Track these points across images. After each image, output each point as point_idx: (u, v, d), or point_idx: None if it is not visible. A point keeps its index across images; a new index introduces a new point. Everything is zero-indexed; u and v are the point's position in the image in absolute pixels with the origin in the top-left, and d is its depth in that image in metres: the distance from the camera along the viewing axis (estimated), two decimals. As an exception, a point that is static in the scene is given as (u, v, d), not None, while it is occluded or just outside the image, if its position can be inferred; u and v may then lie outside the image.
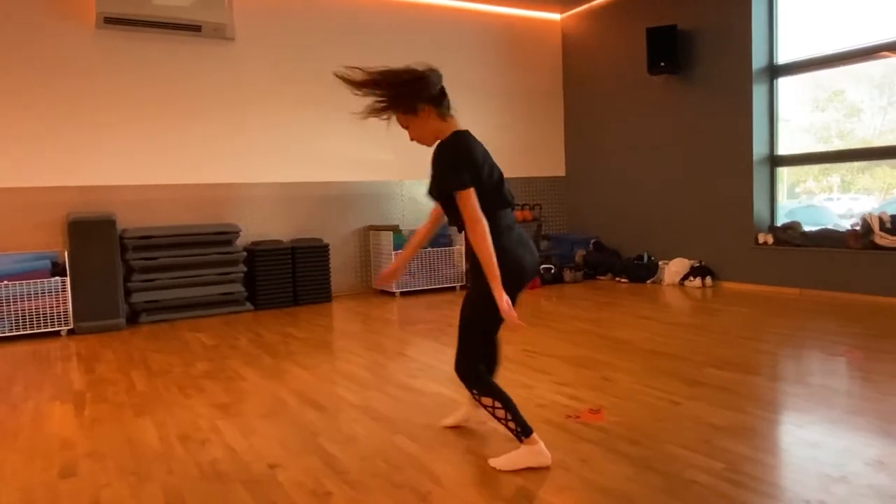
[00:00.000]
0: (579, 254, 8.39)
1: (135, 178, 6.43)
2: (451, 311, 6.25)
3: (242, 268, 6.61)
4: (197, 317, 6.34)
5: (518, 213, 8.38)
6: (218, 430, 3.12)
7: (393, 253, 7.21)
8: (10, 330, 5.53)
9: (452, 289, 7.67)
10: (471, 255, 2.58)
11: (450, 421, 3.06)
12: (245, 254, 6.68)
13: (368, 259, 7.73)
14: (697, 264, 7.29)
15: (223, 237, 6.53)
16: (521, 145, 8.73)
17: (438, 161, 2.63)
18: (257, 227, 7.01)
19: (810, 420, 2.93)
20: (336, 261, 7.44)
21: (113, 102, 6.32)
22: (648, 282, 7.60)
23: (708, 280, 7.11)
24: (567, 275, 7.92)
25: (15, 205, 5.90)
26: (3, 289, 5.48)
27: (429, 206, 8.07)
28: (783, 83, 6.83)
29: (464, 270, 7.69)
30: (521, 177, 8.73)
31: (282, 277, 6.83)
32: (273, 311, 6.59)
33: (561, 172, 9.11)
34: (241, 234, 6.68)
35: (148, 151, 6.50)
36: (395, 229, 7.55)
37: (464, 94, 8.27)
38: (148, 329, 5.89)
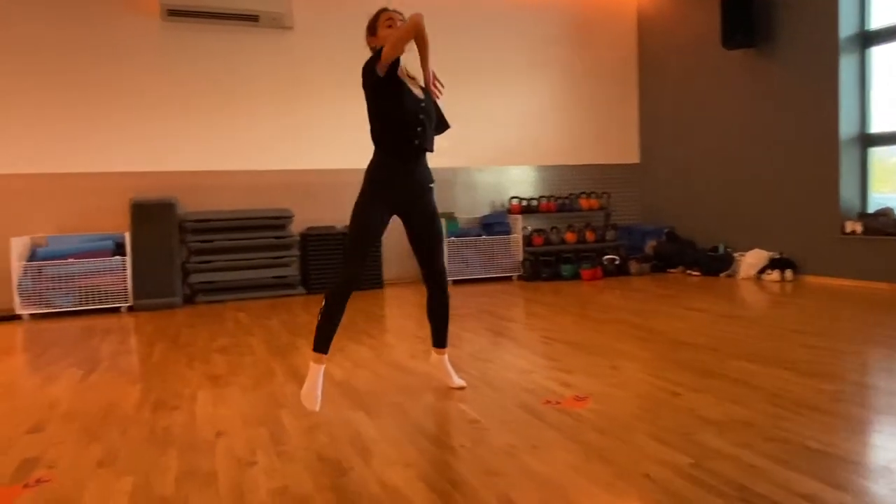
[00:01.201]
0: (650, 245, 7.86)
1: (195, 164, 6.70)
2: (497, 300, 6.03)
3: (295, 252, 6.72)
4: (249, 299, 6.51)
5: (584, 201, 8.00)
6: (195, 398, 3.12)
7: (446, 241, 7.08)
8: (76, 305, 5.93)
9: (509, 278, 7.42)
10: None
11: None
12: (298, 238, 6.79)
13: (424, 247, 7.64)
14: (777, 256, 6.60)
15: (277, 222, 6.67)
16: (591, 131, 8.31)
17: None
18: (312, 213, 7.10)
19: (825, 421, 2.49)
20: (391, 248, 7.40)
21: (175, 92, 6.62)
22: (722, 275, 6.98)
23: (788, 273, 6.42)
24: (633, 266, 7.44)
25: (85, 189, 6.32)
26: (68, 265, 5.89)
27: (484, 193, 7.90)
28: (877, 52, 6.03)
29: (520, 261, 7.44)
30: (591, 164, 8.31)
31: (333, 263, 6.88)
32: (321, 296, 6.64)
33: (634, 159, 8.58)
34: (294, 219, 6.80)
35: (208, 139, 6.76)
36: (450, 216, 7.41)
37: (527, 77, 8.00)
38: (200, 308, 6.12)
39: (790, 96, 6.49)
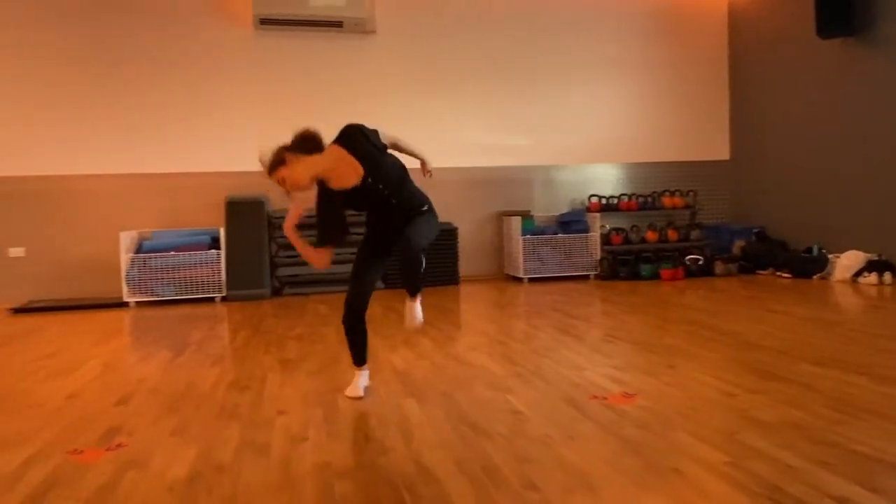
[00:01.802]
0: (738, 245, 7.55)
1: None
2: (569, 298, 6.01)
3: (374, 248, 6.97)
4: (331, 292, 6.82)
5: (667, 200, 7.79)
6: (265, 380, 3.36)
7: (520, 238, 7.12)
8: (175, 294, 6.44)
9: (586, 277, 7.35)
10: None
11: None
12: (377, 235, 7.03)
13: (501, 244, 7.70)
14: (875, 258, 6.18)
15: (361, 218, 6.93)
16: (678, 127, 8.08)
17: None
18: (391, 210, 7.32)
19: (885, 427, 2.37)
20: (467, 245, 7.52)
21: (266, 97, 7.04)
22: (815, 277, 6.60)
23: (886, 276, 5.99)
24: (718, 267, 7.17)
25: (185, 187, 6.84)
26: (170, 258, 6.41)
27: (564, 191, 7.86)
28: None
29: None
30: (676, 161, 8.08)
31: (411, 259, 7.07)
32: (400, 291, 6.85)
33: (724, 155, 8.26)
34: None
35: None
36: (526, 214, 7.43)
37: (609, 73, 7.89)
38: (286, 300, 6.49)
39: (892, 87, 6.06)
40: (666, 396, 2.85)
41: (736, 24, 8.09)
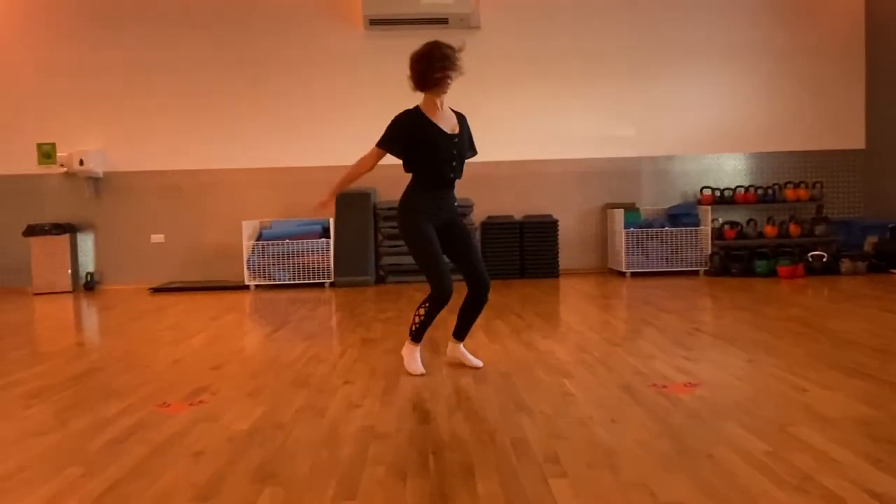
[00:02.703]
0: (870, 241, 6.89)
1: (388, 159, 7.39)
2: (668, 293, 5.80)
3: (475, 239, 7.11)
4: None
5: (790, 192, 7.26)
6: (342, 355, 3.59)
7: (623, 231, 6.96)
8: (289, 279, 6.94)
9: (695, 273, 7.03)
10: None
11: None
12: (476, 227, 7.16)
13: (605, 237, 7.55)
14: None
15: (459, 210, 7.09)
16: (804, 115, 7.49)
17: None
18: (492, 203, 7.43)
19: (973, 430, 2.15)
20: (570, 238, 7.45)
21: (375, 94, 7.36)
22: (960, 278, 5.91)
23: None
24: (844, 265, 6.59)
25: (300, 180, 7.33)
26: (286, 245, 6.91)
27: (674, 182, 7.55)
28: None
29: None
30: (801, 150, 7.51)
31: (510, 251, 7.14)
32: (496, 282, 6.92)
33: (858, 144, 7.56)
34: (474, 208, 7.18)
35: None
36: (631, 207, 7.23)
37: (726, 59, 7.48)
38: (388, 287, 6.78)
39: None
40: (729, 388, 2.74)
41: (874, 3, 7.37)
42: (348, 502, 1.76)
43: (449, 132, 3.22)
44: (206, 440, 2.28)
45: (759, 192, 7.30)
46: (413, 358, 3.19)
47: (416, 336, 3.20)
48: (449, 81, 3.19)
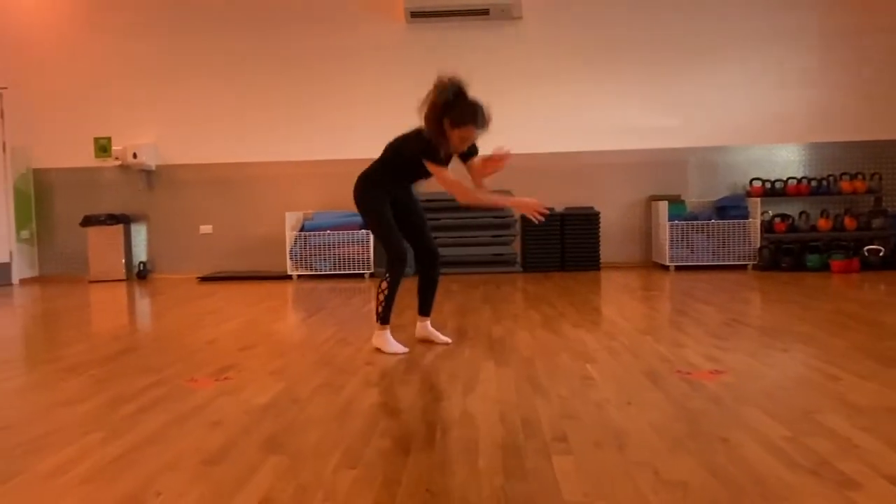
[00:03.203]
0: (933, 235, 6.54)
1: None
2: (712, 286, 5.64)
3: (514, 231, 7.06)
4: (470, 273, 7.03)
5: (846, 184, 6.94)
6: (368, 339, 3.61)
7: (667, 224, 6.79)
8: (330, 269, 7.04)
9: (742, 267, 6.81)
10: None
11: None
12: (516, 218, 7.11)
13: (649, 230, 7.39)
14: None
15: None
16: (863, 102, 7.15)
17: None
18: (533, 195, 7.33)
19: None
20: (612, 231, 7.32)
21: (416, 87, 7.38)
22: None
23: None
24: (904, 259, 6.28)
25: (341, 172, 7.41)
26: (327, 236, 7.02)
27: (722, 174, 7.31)
28: None
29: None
30: (859, 140, 7.17)
31: (552, 242, 7.07)
32: (536, 274, 6.89)
33: (922, 133, 7.17)
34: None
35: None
36: (676, 199, 7.05)
37: (776, 44, 7.21)
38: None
39: None
40: (757, 376, 2.64)
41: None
42: (348, 471, 1.78)
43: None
44: (224, 412, 2.34)
45: (813, 183, 7.01)
46: (388, 340, 3.29)
47: (384, 318, 3.29)
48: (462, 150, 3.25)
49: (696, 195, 7.30)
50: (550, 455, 1.85)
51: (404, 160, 3.28)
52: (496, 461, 1.81)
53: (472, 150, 3.33)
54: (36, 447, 2.03)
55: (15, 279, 7.46)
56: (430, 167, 3.15)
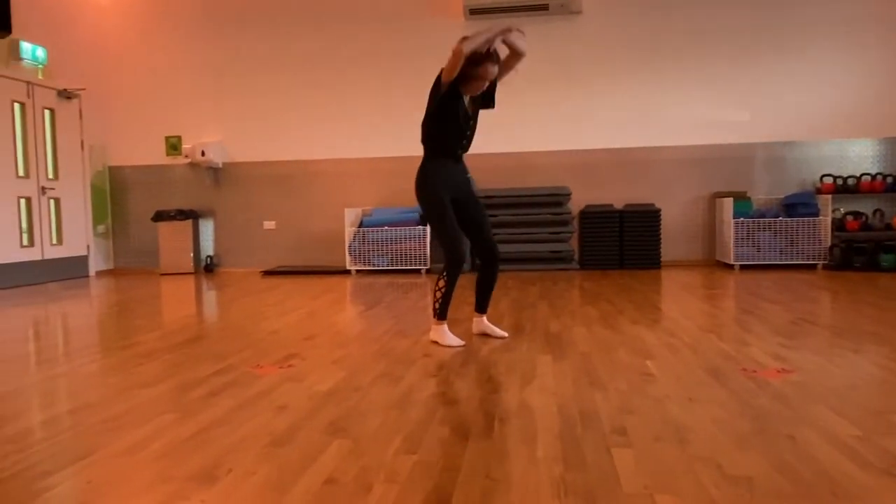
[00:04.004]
0: None
1: (483, 148, 7.43)
2: (779, 285, 5.45)
3: (571, 228, 7.00)
4: (528, 270, 7.01)
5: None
6: (427, 331, 3.67)
7: (732, 221, 6.59)
8: (387, 265, 7.14)
9: (812, 266, 6.56)
10: None
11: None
12: (574, 215, 7.04)
13: (713, 228, 7.19)
14: None
15: (555, 199, 7.03)
16: (946, 95, 6.79)
17: None
18: (591, 191, 7.28)
19: None
20: (674, 229, 7.17)
21: (474, 82, 7.42)
22: None
23: None
24: None
25: (399, 169, 7.52)
26: (385, 232, 7.12)
27: (791, 170, 7.05)
28: None
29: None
30: (941, 135, 6.80)
31: (609, 239, 6.97)
32: (593, 272, 6.81)
33: None
34: (572, 196, 7.08)
35: (499, 124, 7.42)
36: (742, 196, 6.85)
37: (848, 32, 6.92)
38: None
39: None
40: (826, 375, 2.55)
41: None
42: (409, 455, 1.81)
43: (469, 111, 3.38)
44: (289, 397, 2.42)
45: (889, 180, 6.69)
46: (445, 333, 3.32)
47: (441, 313, 3.33)
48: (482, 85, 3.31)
49: (764, 192, 7.07)
50: (609, 447, 1.84)
51: (438, 109, 3.31)
52: (555, 451, 1.82)
53: (492, 91, 3.43)
54: (115, 425, 2.15)
55: (91, 271, 7.86)
56: (444, 71, 3.19)
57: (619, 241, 6.98)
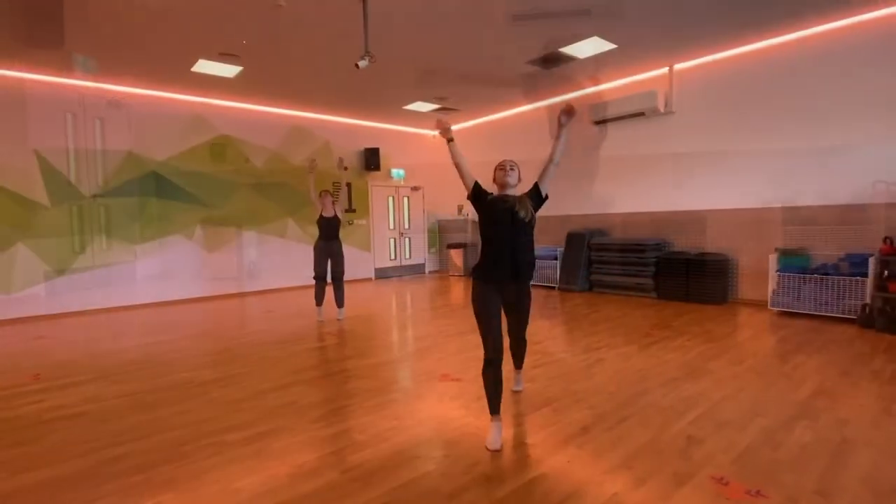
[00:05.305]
0: None
1: (594, 209, 7.63)
2: (803, 334, 4.51)
3: (651, 269, 6.80)
4: (620, 294, 7.07)
5: None
6: (470, 331, 4.69)
7: (777, 273, 5.50)
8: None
9: (850, 321, 5.01)
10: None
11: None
12: (656, 259, 6.80)
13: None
14: None
15: (643, 247, 6.88)
16: None
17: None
18: (688, 241, 6.80)
19: None
20: (743, 273, 6.21)
21: (605, 168, 7.62)
22: None
23: None
24: None
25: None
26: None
27: (856, 231, 5.22)
28: None
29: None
30: None
31: (678, 277, 6.53)
32: (664, 302, 6.43)
33: None
34: (661, 246, 6.82)
35: (618, 194, 7.53)
36: (797, 252, 5.54)
37: (883, 104, 5.00)
38: (592, 294, 7.14)
39: None
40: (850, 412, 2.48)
41: None
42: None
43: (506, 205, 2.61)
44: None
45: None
46: (492, 434, 2.54)
47: (492, 408, 2.55)
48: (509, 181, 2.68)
49: (833, 249, 5.55)
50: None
51: (480, 223, 2.64)
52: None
53: (535, 192, 2.69)
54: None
55: (426, 271, 10.92)
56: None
57: (686, 280, 6.42)
